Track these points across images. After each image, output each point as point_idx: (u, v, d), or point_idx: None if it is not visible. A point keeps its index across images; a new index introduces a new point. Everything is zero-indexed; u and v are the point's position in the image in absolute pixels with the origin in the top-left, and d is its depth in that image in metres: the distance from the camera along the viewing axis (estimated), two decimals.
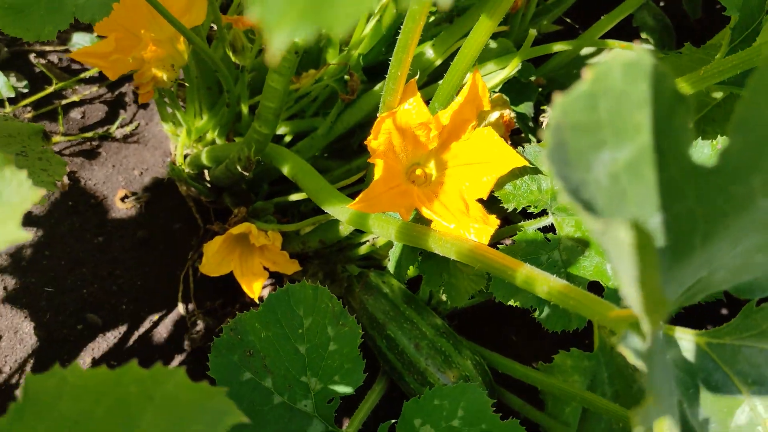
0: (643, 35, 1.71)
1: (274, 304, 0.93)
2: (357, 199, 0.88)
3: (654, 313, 0.36)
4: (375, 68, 1.30)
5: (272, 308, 0.93)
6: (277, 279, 1.42)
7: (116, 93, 1.64)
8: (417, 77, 0.95)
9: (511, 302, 1.01)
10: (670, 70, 0.38)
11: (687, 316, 0.97)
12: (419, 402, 0.93)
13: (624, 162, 0.38)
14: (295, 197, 1.29)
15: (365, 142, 0.92)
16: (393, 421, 0.95)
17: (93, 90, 1.62)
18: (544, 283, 0.72)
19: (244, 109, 1.28)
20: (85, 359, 1.30)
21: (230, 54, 1.18)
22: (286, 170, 1.12)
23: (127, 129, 1.59)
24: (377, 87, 1.26)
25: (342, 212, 0.99)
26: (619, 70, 0.38)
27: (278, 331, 0.93)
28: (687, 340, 0.70)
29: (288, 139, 1.39)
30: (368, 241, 1.30)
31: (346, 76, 1.22)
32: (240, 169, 1.15)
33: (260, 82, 1.18)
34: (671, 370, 0.66)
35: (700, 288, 0.46)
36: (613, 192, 0.38)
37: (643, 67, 0.37)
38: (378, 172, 0.89)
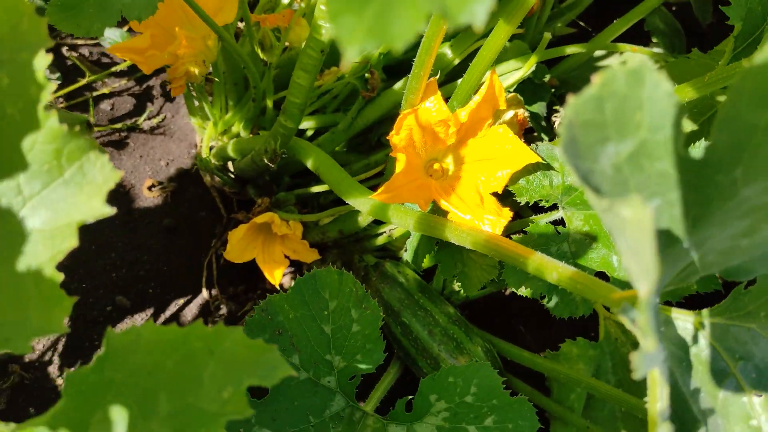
0: (654, 39, 1.74)
1: (302, 287, 0.99)
2: (379, 190, 0.93)
3: (651, 274, 0.41)
4: (394, 67, 1.33)
5: (300, 291, 0.99)
6: (297, 267, 1.47)
7: (144, 86, 1.71)
8: (437, 76, 1.01)
9: (521, 290, 1.05)
10: (667, 77, 0.44)
11: (687, 306, 1.02)
12: (435, 379, 0.98)
13: (626, 155, 0.44)
14: (316, 189, 1.35)
15: (387, 137, 0.97)
16: (410, 397, 1.01)
17: (122, 83, 1.69)
18: (554, 269, 0.77)
19: (269, 104, 1.33)
20: None
21: (258, 51, 1.23)
22: (309, 163, 1.17)
23: (154, 121, 1.65)
24: (397, 85, 1.30)
25: (363, 203, 1.04)
26: (623, 76, 0.44)
27: (305, 313, 0.98)
28: (682, 319, 0.76)
29: (310, 133, 1.44)
30: (385, 232, 1.35)
31: (366, 74, 1.26)
32: (266, 161, 1.21)
33: (285, 78, 1.22)
34: (666, 341, 0.72)
35: (693, 270, 0.52)
36: (616, 180, 0.44)
37: (644, 74, 0.43)
38: (399, 166, 0.95)
